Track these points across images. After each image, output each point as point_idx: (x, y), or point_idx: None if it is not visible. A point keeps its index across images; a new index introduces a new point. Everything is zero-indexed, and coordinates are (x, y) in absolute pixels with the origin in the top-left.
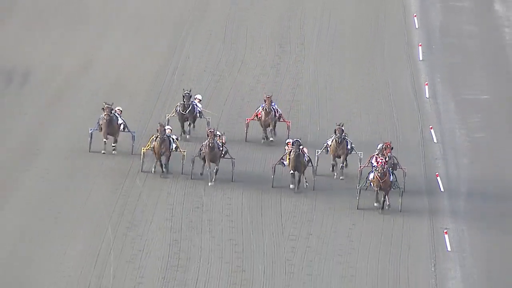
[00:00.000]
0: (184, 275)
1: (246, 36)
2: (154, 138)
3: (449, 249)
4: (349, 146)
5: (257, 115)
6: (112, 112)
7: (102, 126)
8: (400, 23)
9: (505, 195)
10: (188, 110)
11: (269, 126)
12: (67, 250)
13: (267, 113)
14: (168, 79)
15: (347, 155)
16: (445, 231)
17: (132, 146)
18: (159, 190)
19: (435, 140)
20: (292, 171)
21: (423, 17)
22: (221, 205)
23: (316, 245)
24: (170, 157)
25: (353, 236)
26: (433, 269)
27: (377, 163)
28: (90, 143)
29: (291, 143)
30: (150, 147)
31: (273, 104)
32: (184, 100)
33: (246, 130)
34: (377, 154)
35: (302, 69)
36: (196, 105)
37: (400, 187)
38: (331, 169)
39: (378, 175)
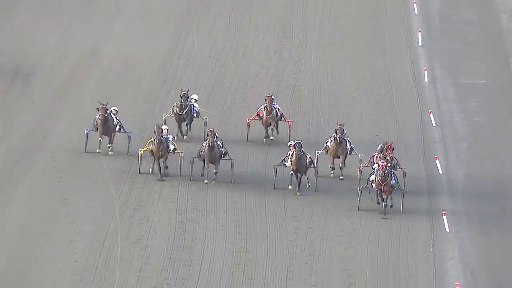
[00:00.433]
0: (190, 255)
1: (250, 23)
2: (152, 140)
3: (447, 230)
4: (348, 147)
5: (258, 114)
6: (107, 112)
7: (98, 127)
8: (400, 10)
9: (503, 177)
10: (185, 111)
11: (270, 125)
12: (75, 234)
13: (268, 112)
14: (174, 65)
15: (346, 156)
16: (443, 212)
17: (128, 146)
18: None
19: (434, 124)
20: (292, 172)
21: (423, 3)
22: (225, 187)
23: (318, 226)
24: (168, 159)
25: (354, 217)
26: (431, 249)
27: (378, 166)
28: (86, 143)
29: (293, 145)
30: (148, 149)
31: (275, 104)
32: (182, 100)
33: (248, 129)
34: (378, 154)
35: (304, 55)
36: (193, 106)
37: (402, 188)
38: (331, 171)
39: (379, 178)
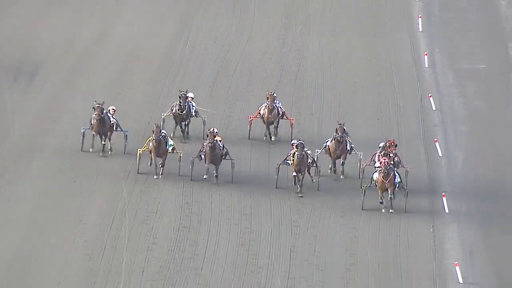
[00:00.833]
0: (195, 236)
1: (254, 9)
2: (151, 140)
3: (447, 211)
4: (348, 147)
5: (259, 113)
6: (104, 111)
7: (94, 126)
8: None
9: (501, 160)
10: (184, 112)
11: (272, 123)
12: (84, 215)
13: (270, 111)
14: (180, 50)
15: (346, 156)
16: (443, 194)
17: (125, 145)
18: (169, 159)
19: (433, 108)
20: (294, 174)
21: None
22: (230, 170)
23: (321, 207)
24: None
25: (355, 199)
26: (431, 230)
27: (380, 163)
28: (82, 142)
29: (295, 145)
30: (146, 148)
31: (277, 102)
32: (180, 100)
33: (249, 128)
34: (379, 152)
35: (307, 41)
36: (192, 105)
37: (405, 188)
38: (329, 171)
39: (382, 176)
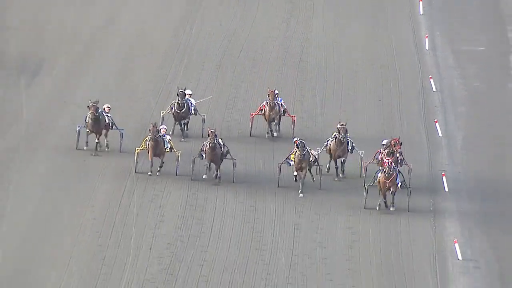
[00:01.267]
0: (202, 214)
1: None
2: (148, 139)
3: (446, 190)
4: (349, 146)
5: (261, 110)
6: (99, 110)
7: (88, 125)
8: None
9: (499, 139)
10: (183, 110)
11: (273, 120)
12: (93, 193)
13: (271, 108)
14: (187, 33)
15: (347, 156)
16: (443, 173)
17: (121, 143)
18: (176, 146)
19: (434, 89)
20: (295, 173)
21: None
22: (235, 152)
23: (324, 186)
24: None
25: (357, 177)
26: (431, 208)
27: (384, 164)
28: (78, 140)
29: (297, 143)
30: (144, 147)
31: (279, 99)
32: (179, 98)
33: (251, 124)
34: (383, 150)
35: (311, 24)
36: (190, 102)
37: (408, 187)
38: (326, 170)
39: (384, 176)
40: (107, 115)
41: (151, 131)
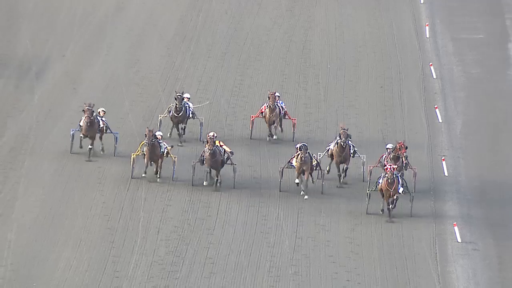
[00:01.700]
0: (208, 198)
1: None
2: (144, 144)
3: (446, 174)
4: (351, 150)
5: (261, 112)
6: (94, 114)
7: (83, 129)
8: None
9: (498, 125)
10: (181, 113)
11: (273, 123)
12: (102, 177)
13: (272, 110)
14: (194, 21)
15: (349, 162)
16: (442, 158)
17: (115, 147)
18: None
19: (434, 76)
20: (297, 181)
21: None
22: (240, 136)
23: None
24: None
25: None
26: (431, 192)
27: (386, 169)
28: (72, 144)
29: (298, 147)
30: (140, 152)
31: (280, 102)
32: (177, 102)
33: (251, 127)
34: (388, 154)
35: (315, 12)
36: (188, 106)
37: (411, 192)
38: (326, 171)
39: (386, 182)
40: (101, 119)
41: (147, 136)
